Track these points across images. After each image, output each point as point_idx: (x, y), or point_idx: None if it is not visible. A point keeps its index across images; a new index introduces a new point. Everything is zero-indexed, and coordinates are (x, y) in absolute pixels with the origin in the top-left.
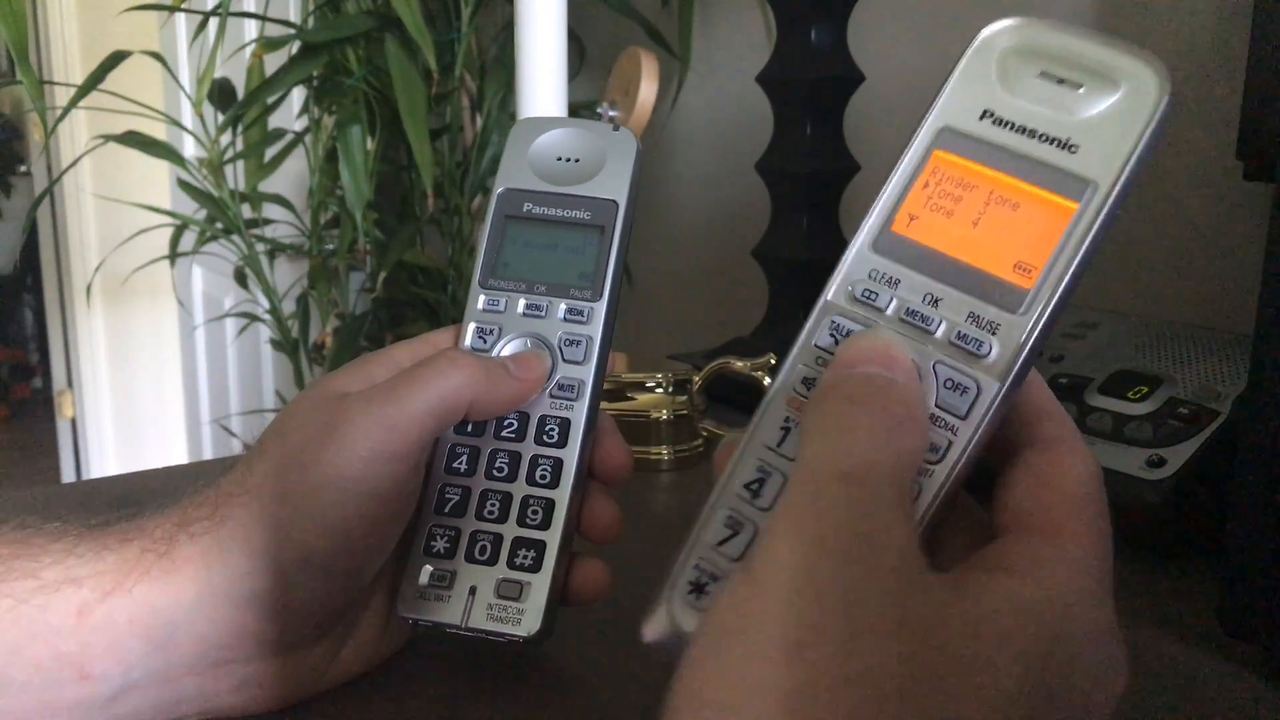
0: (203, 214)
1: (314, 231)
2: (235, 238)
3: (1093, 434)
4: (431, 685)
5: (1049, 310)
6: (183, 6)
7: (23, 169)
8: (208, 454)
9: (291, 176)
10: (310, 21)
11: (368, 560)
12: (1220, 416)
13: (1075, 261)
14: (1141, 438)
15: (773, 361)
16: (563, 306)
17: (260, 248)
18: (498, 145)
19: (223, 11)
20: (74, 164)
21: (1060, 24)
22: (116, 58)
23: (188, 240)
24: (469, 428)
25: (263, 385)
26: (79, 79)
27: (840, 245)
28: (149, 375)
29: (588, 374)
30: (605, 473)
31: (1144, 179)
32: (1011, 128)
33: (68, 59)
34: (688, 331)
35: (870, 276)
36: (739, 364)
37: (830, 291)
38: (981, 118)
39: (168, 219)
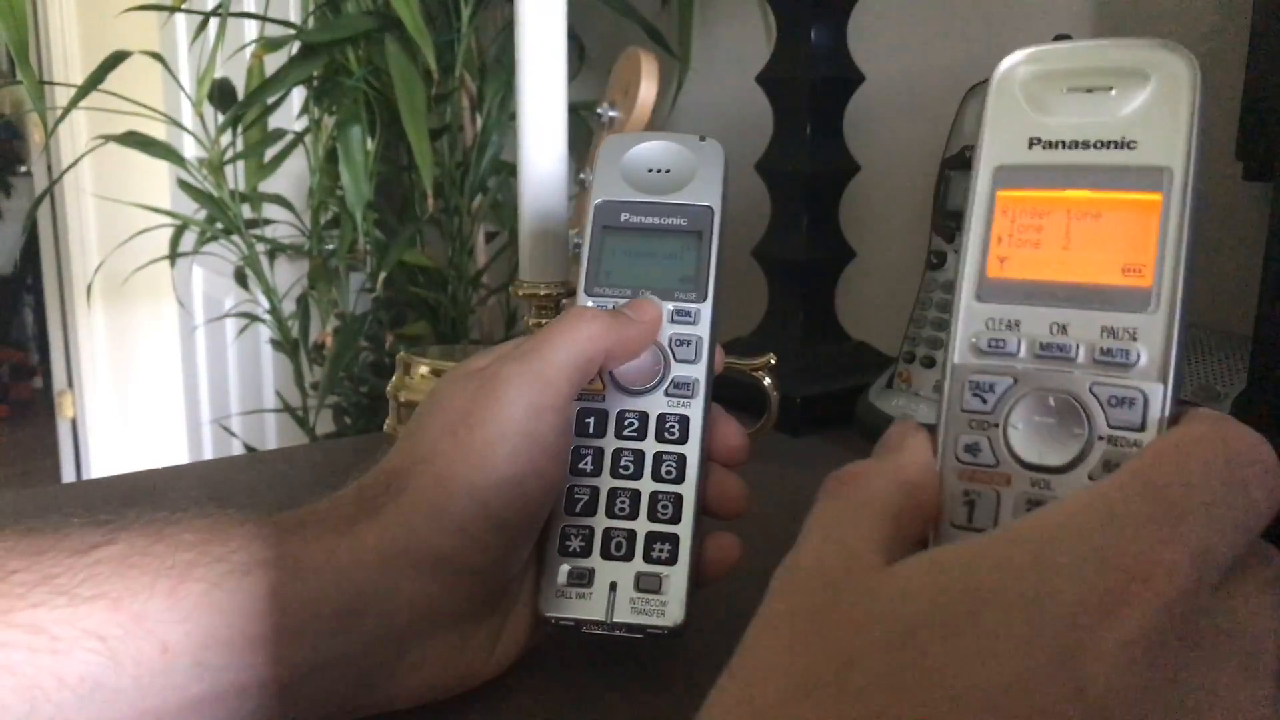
0: (203, 214)
1: (314, 231)
2: (235, 238)
3: None
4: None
5: (1179, 299)
6: (183, 7)
7: (23, 169)
8: (208, 454)
9: (291, 176)
10: (310, 22)
11: (539, 513)
12: None
13: (1184, 244)
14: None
15: (772, 361)
16: (669, 309)
17: (260, 248)
18: (497, 145)
19: (223, 12)
20: (74, 164)
21: (1062, 44)
22: (116, 58)
23: (188, 240)
24: (591, 428)
25: (263, 385)
26: (79, 79)
27: (841, 245)
28: (149, 375)
29: (700, 371)
30: (723, 456)
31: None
32: (1064, 146)
33: (68, 59)
34: None
35: (988, 326)
36: (739, 364)
37: (955, 355)
38: (1030, 146)
39: (168, 219)
